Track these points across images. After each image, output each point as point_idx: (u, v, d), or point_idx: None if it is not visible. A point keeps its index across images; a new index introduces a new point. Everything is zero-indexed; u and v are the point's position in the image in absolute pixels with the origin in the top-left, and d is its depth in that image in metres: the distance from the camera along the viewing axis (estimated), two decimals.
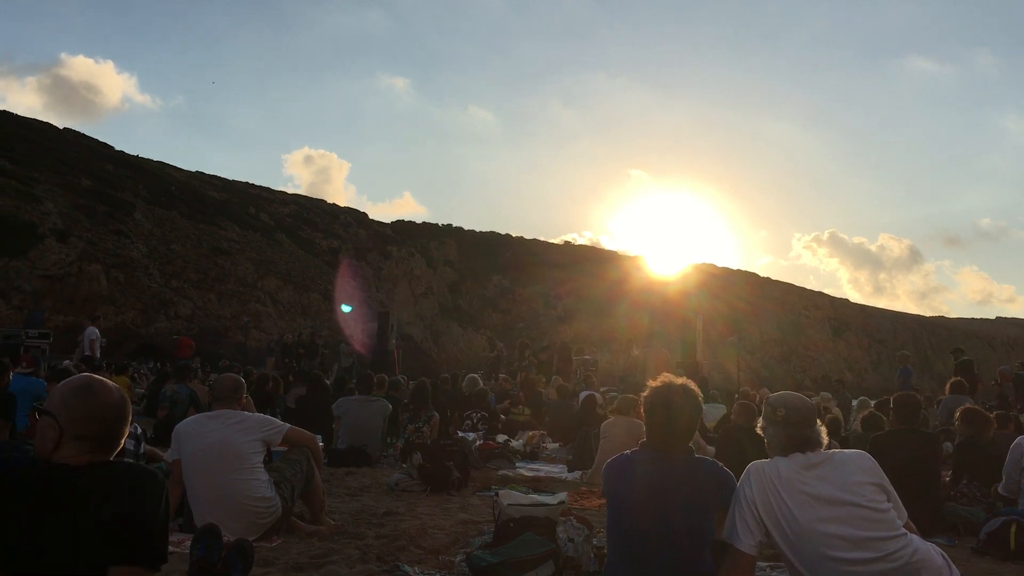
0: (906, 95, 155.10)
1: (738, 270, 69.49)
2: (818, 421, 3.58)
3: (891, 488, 3.44)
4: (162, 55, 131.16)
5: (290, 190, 59.87)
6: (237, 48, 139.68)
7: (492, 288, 58.71)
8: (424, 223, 64.04)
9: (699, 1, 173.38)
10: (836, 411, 14.45)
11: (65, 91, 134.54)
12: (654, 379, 3.74)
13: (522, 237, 66.96)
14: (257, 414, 5.63)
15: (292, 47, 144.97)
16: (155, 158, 49.41)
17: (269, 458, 5.62)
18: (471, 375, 17.05)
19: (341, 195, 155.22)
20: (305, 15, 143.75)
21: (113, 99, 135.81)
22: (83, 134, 45.70)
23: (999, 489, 6.67)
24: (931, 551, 3.36)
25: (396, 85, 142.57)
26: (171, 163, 51.02)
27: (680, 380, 3.68)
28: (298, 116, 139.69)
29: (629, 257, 65.12)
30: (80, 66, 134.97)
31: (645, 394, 3.71)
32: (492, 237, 65.73)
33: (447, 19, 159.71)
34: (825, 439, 3.54)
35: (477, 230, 65.25)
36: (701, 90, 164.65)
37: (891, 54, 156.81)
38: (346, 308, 33.55)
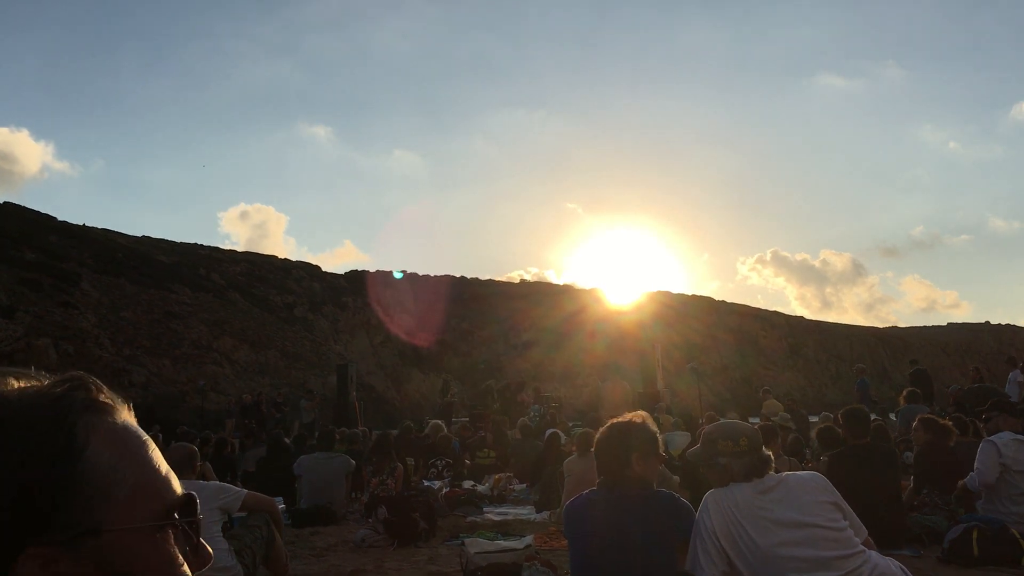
0: (822, 112, 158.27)
1: (693, 296, 70.09)
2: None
3: (846, 506, 3.47)
4: (77, 120, 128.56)
5: (228, 247, 59.26)
6: (152, 108, 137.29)
7: (451, 331, 58.55)
8: (378, 271, 63.79)
9: (603, 32, 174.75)
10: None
11: None
12: (613, 412, 3.74)
13: (477, 278, 67.01)
14: (214, 482, 5.58)
15: (208, 103, 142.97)
16: (91, 225, 48.54)
17: (230, 524, 5.53)
18: (435, 421, 16.90)
19: (282, 248, 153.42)
20: (216, 70, 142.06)
21: (31, 167, 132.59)
22: (24, 207, 44.95)
23: (966, 483, 6.66)
24: (890, 566, 3.39)
25: (318, 134, 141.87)
26: (109, 229, 50.15)
27: (627, 417, 3.67)
28: (227, 172, 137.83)
29: (585, 290, 65.41)
30: None
31: (596, 436, 3.71)
32: (446, 280, 65.69)
33: (357, 65, 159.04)
34: (773, 461, 3.57)
35: (431, 275, 65.21)
36: (620, 120, 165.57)
37: (801, 72, 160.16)
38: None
